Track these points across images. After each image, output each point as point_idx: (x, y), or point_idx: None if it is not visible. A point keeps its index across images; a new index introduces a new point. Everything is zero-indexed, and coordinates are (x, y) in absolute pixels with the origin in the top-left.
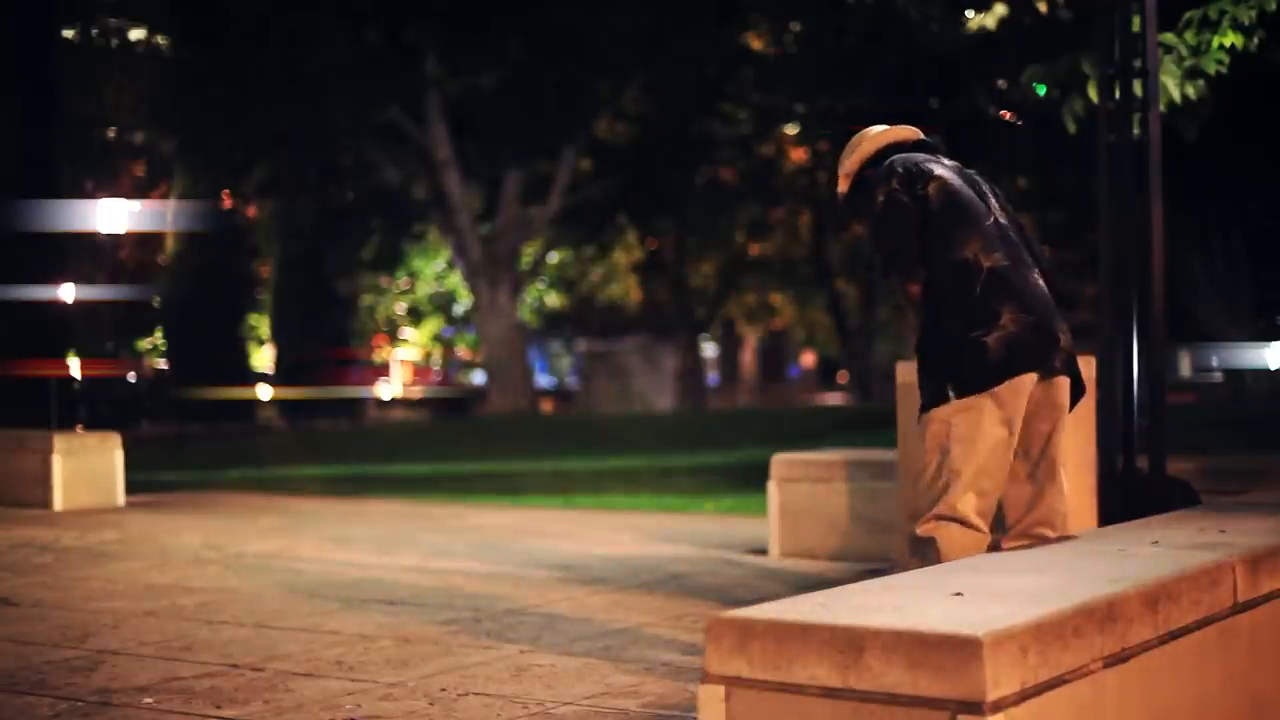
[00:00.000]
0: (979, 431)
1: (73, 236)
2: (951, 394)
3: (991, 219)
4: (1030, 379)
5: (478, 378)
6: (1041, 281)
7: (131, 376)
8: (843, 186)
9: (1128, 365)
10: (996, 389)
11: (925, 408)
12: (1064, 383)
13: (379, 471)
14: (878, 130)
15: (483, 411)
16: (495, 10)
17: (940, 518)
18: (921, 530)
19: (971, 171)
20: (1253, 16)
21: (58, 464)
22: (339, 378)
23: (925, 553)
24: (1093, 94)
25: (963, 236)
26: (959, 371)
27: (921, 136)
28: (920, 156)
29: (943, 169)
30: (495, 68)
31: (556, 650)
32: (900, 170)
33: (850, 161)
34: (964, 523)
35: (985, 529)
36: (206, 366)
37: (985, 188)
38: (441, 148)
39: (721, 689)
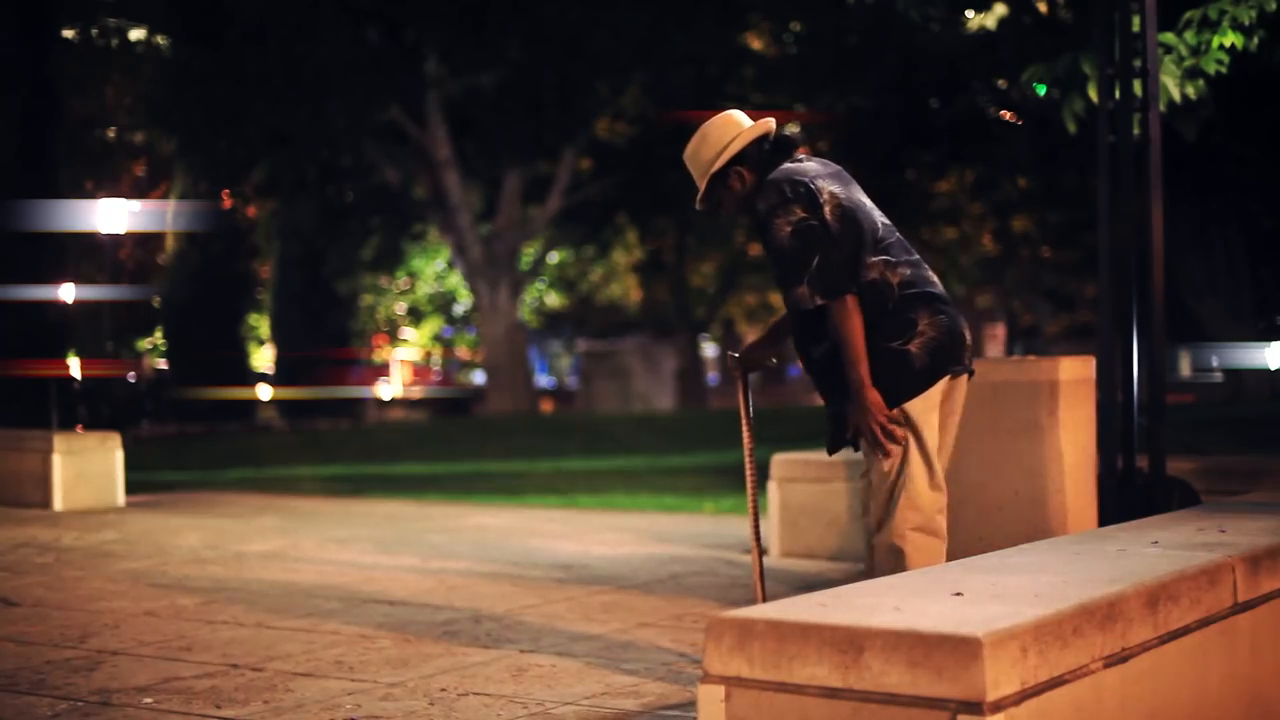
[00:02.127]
0: (920, 435)
1: (73, 236)
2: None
3: (881, 224)
4: (948, 379)
5: (478, 378)
6: (934, 275)
7: (131, 376)
8: (703, 185)
9: (1128, 365)
10: (927, 392)
11: (852, 442)
12: (965, 379)
13: (379, 471)
14: (739, 124)
15: (483, 411)
16: (495, 10)
17: (911, 528)
18: (897, 540)
19: (838, 167)
20: (1253, 16)
21: (58, 464)
22: (339, 378)
23: (898, 563)
24: (1093, 94)
25: (866, 257)
26: (892, 383)
27: (774, 128)
28: (801, 172)
29: (830, 183)
30: (495, 68)
31: (556, 650)
32: (792, 194)
33: (721, 160)
34: (929, 530)
35: (944, 529)
36: (206, 366)
37: (854, 181)
38: (441, 148)
39: (721, 689)
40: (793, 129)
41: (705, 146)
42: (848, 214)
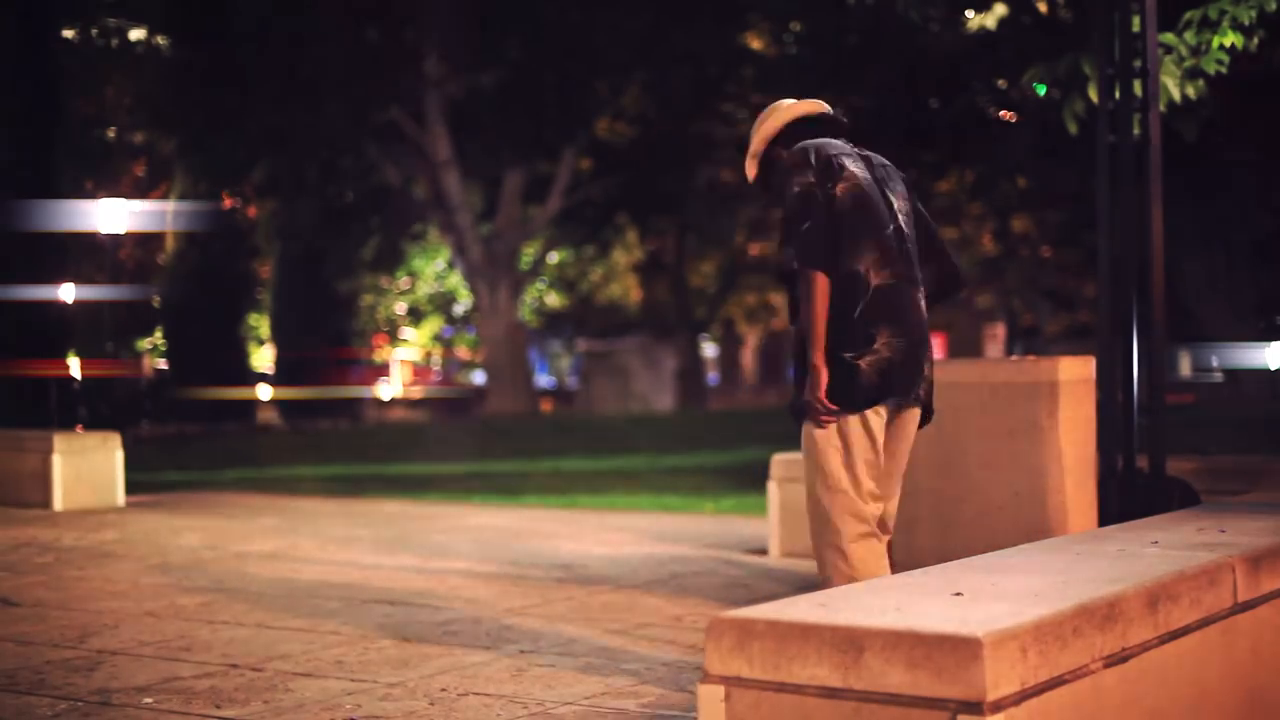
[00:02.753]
0: (848, 447)
1: (73, 236)
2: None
3: (892, 226)
4: (892, 402)
5: (478, 378)
6: (923, 301)
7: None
8: (751, 169)
9: (1128, 365)
10: (865, 411)
11: (801, 416)
12: (916, 413)
13: (379, 471)
14: (785, 104)
15: (483, 411)
16: (495, 10)
17: (851, 540)
18: (848, 548)
19: (879, 159)
20: (1253, 16)
21: (58, 464)
22: (339, 378)
23: (841, 572)
24: (1093, 94)
25: (860, 248)
26: (832, 390)
27: (827, 110)
28: (834, 147)
29: (855, 164)
30: (495, 68)
31: (556, 650)
32: (814, 161)
33: (756, 140)
34: (869, 535)
35: (879, 533)
36: (206, 366)
37: (894, 182)
38: (441, 148)
39: (721, 689)
40: None
41: (759, 125)
42: (859, 197)
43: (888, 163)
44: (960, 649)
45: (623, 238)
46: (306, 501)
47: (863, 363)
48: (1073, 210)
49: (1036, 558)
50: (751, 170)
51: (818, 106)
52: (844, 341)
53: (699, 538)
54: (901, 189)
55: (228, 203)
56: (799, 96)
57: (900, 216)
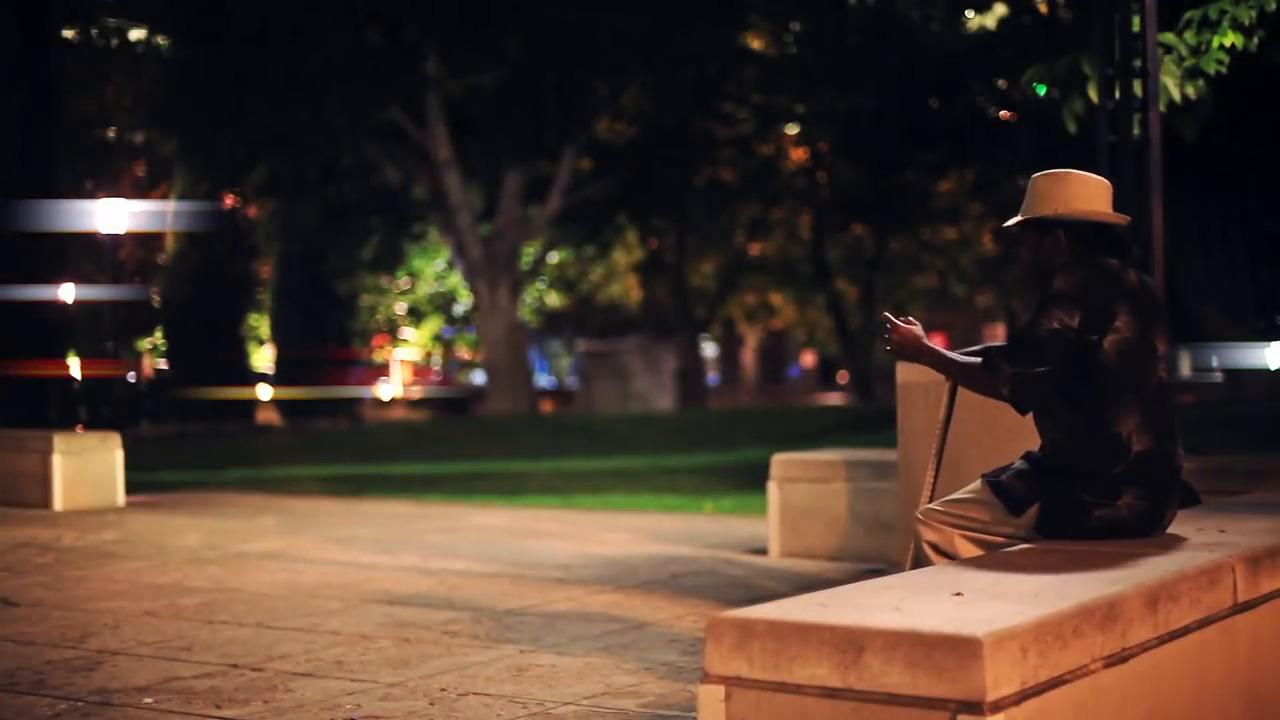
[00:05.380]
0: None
1: (73, 236)
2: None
3: (1155, 377)
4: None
5: (478, 378)
6: (1180, 452)
7: (131, 376)
8: (1021, 216)
9: None
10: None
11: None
12: None
13: (379, 471)
14: (1085, 190)
15: (483, 411)
16: (495, 10)
17: None
18: None
19: (1145, 282)
20: (1253, 16)
21: (58, 464)
22: (339, 378)
23: None
24: (1093, 94)
25: (1121, 410)
26: (1053, 518)
27: (1122, 225)
28: (1110, 287)
29: (1127, 310)
30: (495, 68)
31: (556, 650)
32: (1085, 301)
33: (1039, 208)
34: None
35: None
36: (206, 366)
37: (1157, 314)
38: (441, 148)
39: (721, 689)
40: (791, 130)
41: (1043, 187)
42: (1125, 356)
43: (1150, 284)
44: (960, 649)
45: (623, 238)
46: (306, 501)
47: (1098, 513)
48: None
49: (1036, 558)
50: (1013, 231)
51: (1118, 219)
52: (1090, 487)
53: (699, 538)
54: (1162, 323)
55: (228, 203)
56: (799, 97)
57: (1161, 364)
